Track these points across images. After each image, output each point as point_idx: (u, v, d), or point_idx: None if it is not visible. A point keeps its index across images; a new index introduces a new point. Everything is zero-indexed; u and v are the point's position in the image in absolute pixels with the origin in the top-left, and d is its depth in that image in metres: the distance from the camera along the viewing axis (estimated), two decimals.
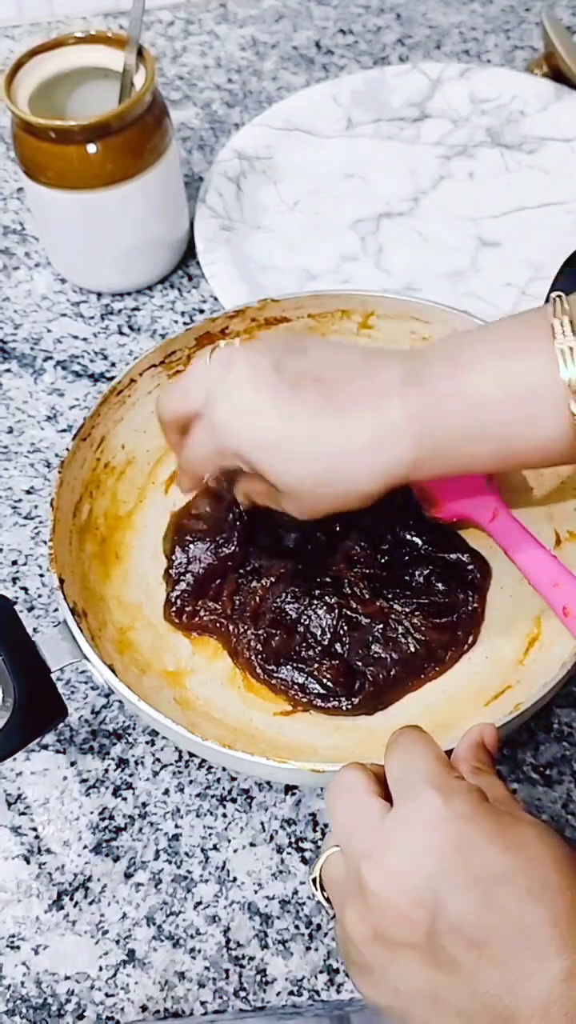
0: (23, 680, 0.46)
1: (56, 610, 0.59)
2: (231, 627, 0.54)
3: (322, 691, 0.52)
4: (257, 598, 0.54)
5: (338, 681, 0.52)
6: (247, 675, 0.53)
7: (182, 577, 0.56)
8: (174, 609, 0.55)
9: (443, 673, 0.53)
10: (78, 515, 0.55)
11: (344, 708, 0.52)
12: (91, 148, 0.63)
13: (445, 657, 0.53)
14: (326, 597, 0.54)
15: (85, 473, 0.56)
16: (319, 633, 0.53)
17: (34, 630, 0.48)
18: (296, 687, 0.52)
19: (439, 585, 0.54)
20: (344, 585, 0.54)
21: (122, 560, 0.57)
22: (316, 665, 0.53)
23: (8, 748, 0.45)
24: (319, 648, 0.53)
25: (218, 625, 0.55)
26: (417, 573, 0.55)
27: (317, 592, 0.54)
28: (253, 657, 0.53)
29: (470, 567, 0.55)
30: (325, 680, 0.52)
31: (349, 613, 0.54)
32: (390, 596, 0.54)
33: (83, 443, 0.56)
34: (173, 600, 0.55)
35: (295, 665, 0.53)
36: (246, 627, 0.54)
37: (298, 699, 0.52)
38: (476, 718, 0.49)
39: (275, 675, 0.53)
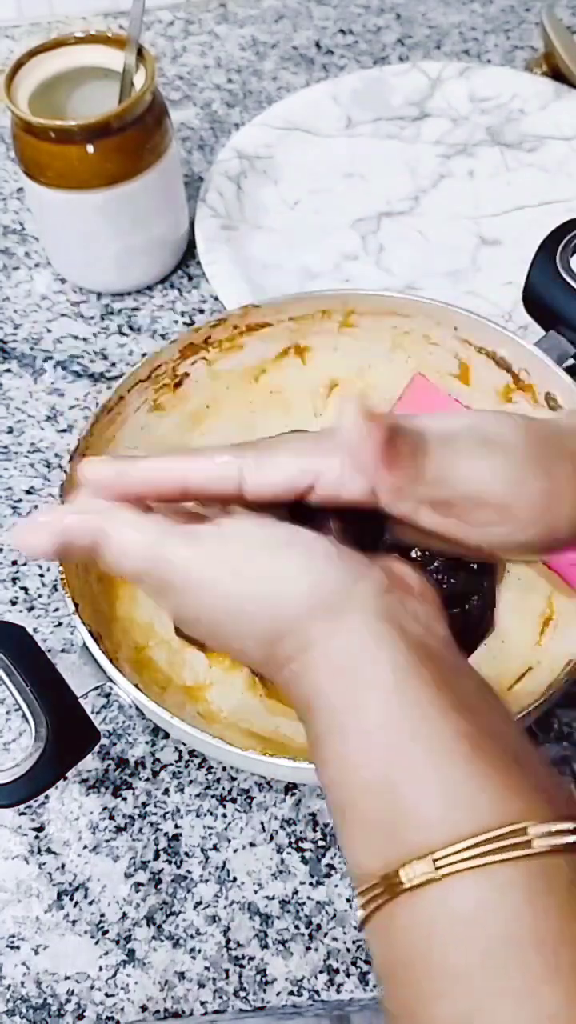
0: (53, 709, 0.45)
1: (57, 609, 0.59)
2: None
3: None
4: None
5: None
6: (267, 683, 0.53)
7: None
8: None
9: None
10: None
11: None
12: (91, 148, 0.63)
13: (462, 645, 0.53)
14: None
15: None
16: None
17: (48, 651, 0.48)
18: None
19: (448, 575, 0.54)
20: None
21: (127, 579, 0.57)
22: None
23: (49, 778, 0.44)
24: None
25: None
26: (425, 565, 0.55)
27: None
28: None
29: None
30: None
31: None
32: None
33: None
34: None
35: None
36: None
37: None
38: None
39: None
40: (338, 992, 0.46)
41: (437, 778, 0.30)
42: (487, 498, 0.36)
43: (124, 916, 0.49)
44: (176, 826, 0.51)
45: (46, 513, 0.35)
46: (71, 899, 0.49)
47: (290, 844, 0.50)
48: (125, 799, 0.52)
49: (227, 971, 0.47)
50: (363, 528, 0.47)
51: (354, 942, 0.47)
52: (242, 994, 0.47)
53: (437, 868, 0.28)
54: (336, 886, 0.49)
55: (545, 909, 0.28)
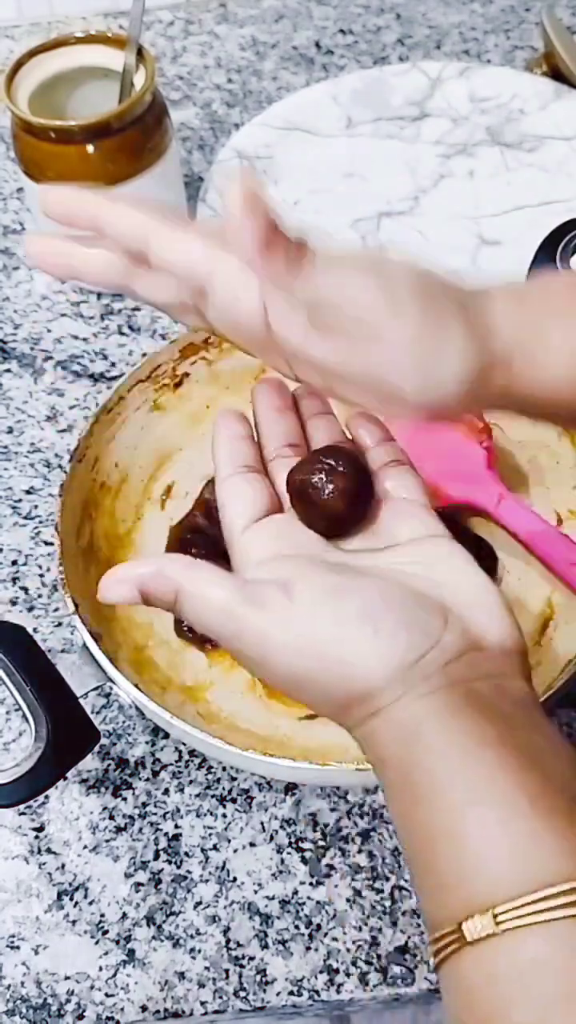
0: (53, 709, 0.46)
1: (57, 609, 0.59)
2: None
3: None
4: None
5: None
6: (267, 683, 0.53)
7: None
8: (186, 624, 0.55)
9: None
10: (80, 538, 0.55)
11: None
12: (91, 148, 0.63)
13: None
14: None
15: (83, 495, 0.56)
16: None
17: (48, 651, 0.48)
18: None
19: None
20: None
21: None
22: None
23: (49, 778, 0.45)
24: None
25: None
26: None
27: None
28: None
29: (476, 553, 0.55)
30: None
31: None
32: None
33: (79, 465, 0.56)
34: None
35: None
36: None
37: None
38: None
39: None
40: (338, 992, 0.46)
41: (501, 836, 0.30)
42: (362, 310, 0.36)
43: (124, 916, 0.49)
44: (176, 826, 0.51)
45: (131, 567, 0.37)
46: (71, 899, 0.49)
47: (290, 844, 0.50)
48: (125, 799, 0.52)
49: (227, 971, 0.47)
50: None
51: (354, 942, 0.48)
52: (242, 994, 0.47)
53: (499, 923, 0.29)
54: (336, 886, 0.49)
55: None
